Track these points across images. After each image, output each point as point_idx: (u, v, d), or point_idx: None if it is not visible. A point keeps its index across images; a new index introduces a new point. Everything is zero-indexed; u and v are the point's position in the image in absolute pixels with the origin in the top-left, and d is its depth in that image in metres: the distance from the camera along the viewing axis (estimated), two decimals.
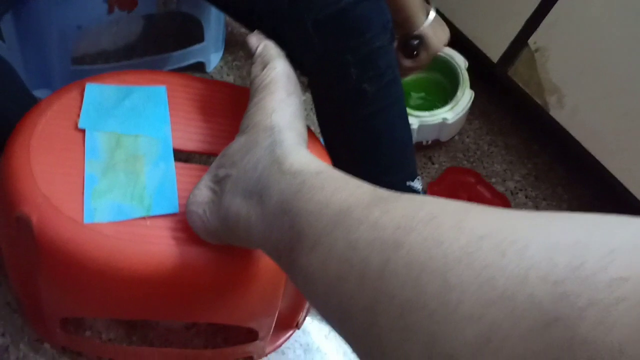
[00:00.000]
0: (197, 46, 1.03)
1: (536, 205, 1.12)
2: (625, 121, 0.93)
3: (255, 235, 0.43)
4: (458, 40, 1.10)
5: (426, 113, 1.01)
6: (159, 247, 0.53)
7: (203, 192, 0.50)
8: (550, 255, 0.23)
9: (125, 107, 0.62)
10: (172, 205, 0.55)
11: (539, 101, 1.04)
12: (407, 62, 0.86)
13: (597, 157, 0.99)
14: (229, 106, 0.66)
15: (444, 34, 0.85)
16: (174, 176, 0.58)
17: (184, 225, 0.53)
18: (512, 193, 1.13)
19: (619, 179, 0.98)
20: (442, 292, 0.26)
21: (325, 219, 0.36)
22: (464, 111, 1.05)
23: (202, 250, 0.53)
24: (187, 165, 0.60)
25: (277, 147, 0.46)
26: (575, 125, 1.01)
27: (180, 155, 0.62)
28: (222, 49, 1.13)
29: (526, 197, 1.14)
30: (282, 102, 0.52)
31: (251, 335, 0.69)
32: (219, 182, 0.49)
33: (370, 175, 0.54)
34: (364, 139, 0.65)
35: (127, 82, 0.64)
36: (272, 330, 0.68)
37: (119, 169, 0.57)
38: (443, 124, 1.04)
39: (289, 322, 0.76)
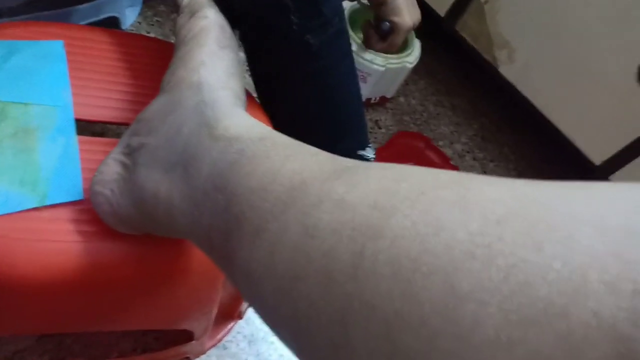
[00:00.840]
0: None
1: (484, 168, 1.08)
2: (576, 77, 0.89)
3: (180, 220, 0.34)
4: None
5: (393, 56, 0.93)
6: (61, 246, 0.42)
7: (111, 168, 0.40)
8: (616, 249, 0.16)
9: (11, 68, 0.49)
10: (74, 191, 0.44)
11: (487, 57, 0.98)
12: (379, 44, 0.86)
13: (547, 115, 0.96)
14: (148, 65, 0.54)
15: (416, 15, 0.83)
16: (77, 154, 0.46)
17: (93, 215, 0.43)
18: (459, 156, 1.08)
19: (568, 137, 0.95)
20: (449, 304, 0.18)
21: (273, 197, 0.27)
22: (418, 58, 0.98)
23: (115, 245, 0.43)
24: (95, 140, 0.48)
25: (206, 108, 0.36)
26: (525, 81, 0.96)
27: (88, 128, 0.50)
28: (140, 3, 0.98)
29: (474, 159, 1.09)
30: (213, 55, 0.41)
31: (186, 333, 0.60)
32: (132, 154, 0.39)
33: (320, 144, 0.44)
34: (310, 100, 0.55)
35: (13, 37, 0.51)
36: (211, 326, 0.59)
37: (4, 146, 0.45)
38: (400, 72, 0.96)
39: (230, 313, 0.67)
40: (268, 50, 0.54)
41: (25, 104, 0.47)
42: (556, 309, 0.16)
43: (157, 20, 1.01)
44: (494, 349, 0.16)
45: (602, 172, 0.92)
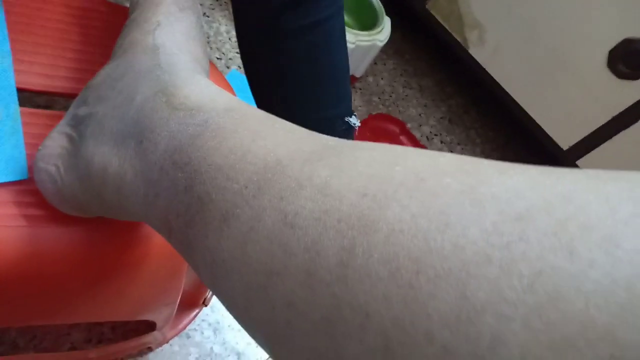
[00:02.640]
0: None
1: (451, 150, 1.07)
2: (546, 61, 0.88)
3: (132, 200, 0.29)
4: None
5: (364, 32, 0.89)
6: (5, 231, 0.37)
7: (56, 142, 0.35)
8: None
9: None
10: (17, 168, 0.39)
11: (458, 38, 0.96)
12: None
13: (515, 98, 0.95)
14: (99, 29, 0.49)
15: None
16: (20, 127, 0.41)
17: (38, 197, 0.38)
18: (427, 138, 1.07)
19: (536, 121, 0.94)
20: (461, 316, 0.15)
21: (243, 178, 0.23)
22: (389, 37, 0.95)
23: (63, 229, 0.38)
24: (40, 112, 0.43)
25: (163, 73, 0.32)
26: (495, 63, 0.95)
27: (31, 100, 0.45)
28: None
29: (441, 142, 1.08)
30: (170, 16, 0.37)
31: (146, 323, 0.56)
32: (79, 126, 0.34)
33: (309, 109, 0.41)
34: (300, 60, 0.51)
35: None
36: (173, 315, 0.55)
37: None
38: (370, 49, 0.92)
39: (194, 300, 0.63)
40: (253, 2, 0.50)
41: None
42: (598, 329, 0.13)
43: None
44: None
45: (568, 157, 0.92)
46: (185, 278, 0.50)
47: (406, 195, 0.18)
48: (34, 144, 0.40)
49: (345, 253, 0.18)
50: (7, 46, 0.44)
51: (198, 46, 0.39)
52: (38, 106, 0.43)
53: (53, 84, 0.45)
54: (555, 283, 0.13)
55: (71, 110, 0.36)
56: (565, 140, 0.92)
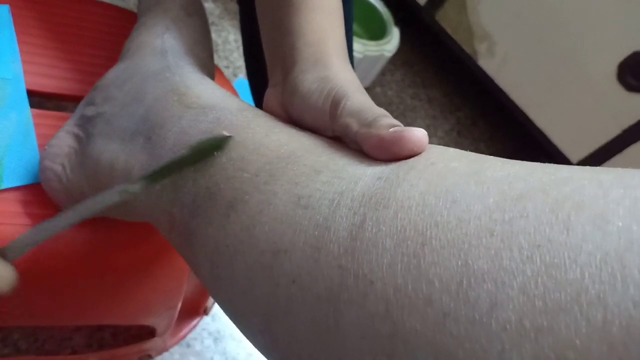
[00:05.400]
0: None
1: None
2: (556, 73, 0.88)
3: (138, 195, 0.29)
4: None
5: (372, 43, 0.89)
6: (8, 229, 0.37)
7: (63, 141, 0.35)
8: None
9: None
10: (32, 172, 0.39)
11: (467, 49, 0.96)
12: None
13: (525, 111, 0.94)
14: (106, 33, 0.49)
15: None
16: (32, 130, 0.41)
17: (44, 196, 0.38)
18: None
19: (546, 133, 0.94)
20: (462, 282, 0.16)
21: (254, 168, 0.24)
22: (397, 48, 0.95)
23: (70, 230, 0.38)
24: (50, 113, 0.43)
25: (172, 74, 0.33)
26: (504, 75, 0.95)
27: (41, 105, 0.45)
28: None
29: None
30: (179, 21, 0.38)
31: (147, 329, 0.55)
32: (86, 125, 0.34)
33: None
34: None
35: None
36: (174, 322, 0.54)
37: None
38: (378, 60, 0.93)
39: (195, 309, 0.63)
40: None
41: None
42: (590, 295, 0.14)
43: None
44: (516, 336, 0.14)
45: None
46: (187, 285, 0.50)
47: (416, 177, 0.19)
48: (43, 145, 0.40)
49: (355, 228, 0.19)
50: (16, 51, 0.45)
51: (205, 51, 0.39)
52: (41, 107, 0.43)
53: (61, 85, 0.45)
54: (552, 254, 0.15)
55: (78, 110, 0.37)
56: (575, 153, 0.91)
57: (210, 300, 0.63)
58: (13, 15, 0.46)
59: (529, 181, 0.17)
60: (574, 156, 0.91)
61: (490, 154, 0.85)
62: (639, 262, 0.14)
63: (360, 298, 0.17)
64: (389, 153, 0.22)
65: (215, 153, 0.26)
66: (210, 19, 0.99)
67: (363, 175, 0.21)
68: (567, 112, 0.90)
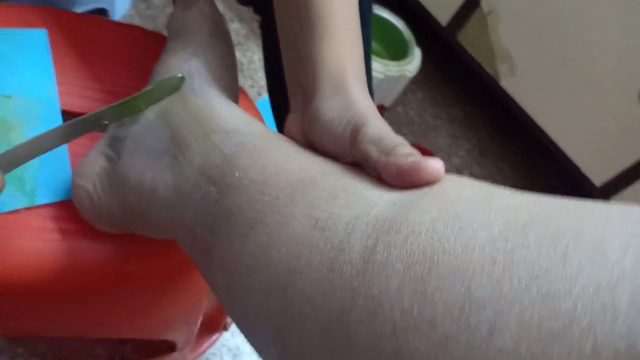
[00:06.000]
0: None
1: None
2: (578, 94, 0.88)
3: (162, 211, 0.31)
4: (403, 1, 1.00)
5: (393, 63, 0.90)
6: (38, 244, 0.39)
7: (95, 161, 0.37)
8: None
9: None
10: (65, 189, 0.41)
11: (489, 70, 0.97)
12: None
13: (547, 132, 0.94)
14: (137, 56, 0.51)
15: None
16: (66, 149, 0.43)
17: (73, 212, 0.39)
18: (457, 170, 1.06)
19: (569, 155, 0.93)
20: (464, 308, 0.17)
21: (275, 191, 0.25)
22: (419, 68, 0.95)
23: (97, 245, 0.40)
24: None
25: (198, 98, 0.34)
26: (526, 96, 0.95)
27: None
28: None
29: (471, 174, 1.07)
30: (205, 45, 0.40)
31: (168, 344, 0.56)
32: (116, 145, 0.36)
33: None
34: None
35: None
36: (194, 337, 0.55)
37: None
38: (400, 80, 0.93)
39: (215, 325, 0.64)
40: None
41: (7, 97, 0.44)
42: (581, 326, 0.15)
43: (151, 15, 0.98)
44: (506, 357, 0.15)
45: (601, 193, 0.90)
46: (207, 301, 0.51)
47: (428, 203, 0.20)
48: (76, 164, 0.42)
49: (367, 251, 0.20)
50: (52, 73, 0.47)
51: (230, 74, 0.41)
52: None
53: (94, 106, 0.47)
54: (549, 285, 0.15)
55: (109, 131, 0.38)
56: (598, 176, 0.90)
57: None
58: (50, 39, 0.49)
59: (534, 211, 0.18)
60: (597, 179, 0.90)
61: (512, 175, 0.85)
62: (628, 295, 0.14)
63: (370, 318, 0.18)
64: (407, 182, 0.23)
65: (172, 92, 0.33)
66: (237, 39, 1.02)
67: (379, 201, 0.22)
68: (590, 134, 0.89)
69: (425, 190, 0.22)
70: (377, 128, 0.26)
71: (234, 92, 0.41)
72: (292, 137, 0.32)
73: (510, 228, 0.18)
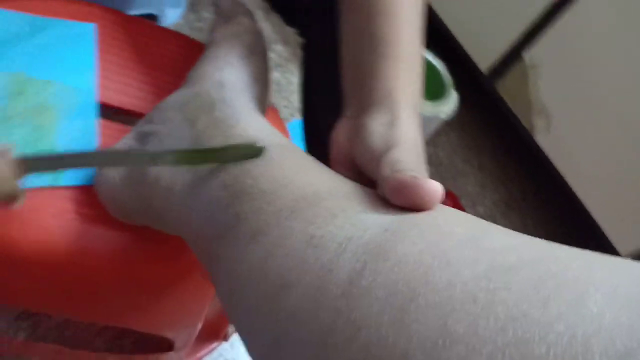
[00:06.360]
0: None
1: None
2: (614, 159, 0.86)
3: (174, 209, 0.33)
4: (446, 42, 1.01)
5: (429, 102, 0.91)
6: (55, 222, 0.40)
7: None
8: (627, 322, 0.15)
9: (38, 44, 0.49)
10: (89, 174, 0.43)
11: (524, 123, 0.96)
12: None
13: (577, 193, 0.92)
14: (180, 60, 0.54)
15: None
16: (94, 137, 0.45)
17: (94, 198, 0.41)
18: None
19: (596, 220, 0.91)
20: (438, 342, 0.17)
21: (280, 202, 0.26)
22: (454, 111, 0.96)
23: (111, 233, 0.41)
24: (118, 126, 0.47)
25: (225, 106, 0.36)
26: (560, 154, 0.93)
27: (114, 118, 0.49)
28: (184, 5, 0.99)
29: None
30: (241, 58, 0.41)
31: (166, 342, 0.57)
32: (142, 140, 0.38)
33: None
34: None
35: (48, 11, 0.51)
36: (192, 340, 0.56)
37: (15, 124, 0.44)
38: (433, 120, 0.94)
39: (215, 333, 0.64)
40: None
41: (47, 81, 0.46)
42: None
43: (199, 26, 1.02)
44: None
45: None
46: (210, 308, 0.52)
47: (419, 235, 0.20)
48: None
49: (354, 273, 0.20)
50: (92, 65, 0.49)
51: (261, 88, 0.42)
52: (116, 122, 0.47)
53: (131, 102, 0.49)
54: (525, 329, 0.15)
55: (138, 126, 0.40)
56: (624, 245, 0.88)
57: (231, 327, 0.65)
58: (100, 34, 0.51)
59: (523, 254, 0.18)
60: (622, 248, 0.87)
61: (535, 231, 0.83)
62: (602, 348, 0.14)
63: (346, 343, 0.18)
64: (404, 197, 0.23)
65: (246, 160, 0.29)
66: (279, 60, 1.05)
67: (373, 225, 0.22)
68: (622, 201, 0.87)
69: (418, 219, 0.22)
70: (404, 153, 0.27)
71: (263, 106, 0.42)
72: (337, 141, 0.33)
73: (495, 269, 0.18)
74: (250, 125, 0.34)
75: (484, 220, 0.22)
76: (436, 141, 1.10)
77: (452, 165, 1.10)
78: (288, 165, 0.28)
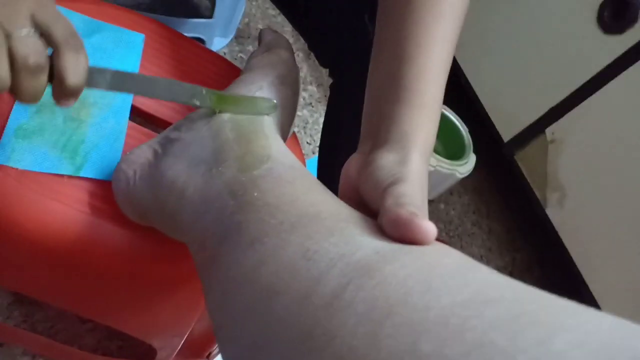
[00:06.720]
0: (202, 20, 0.94)
1: None
2: (623, 244, 0.86)
3: (183, 212, 0.34)
4: (472, 105, 1.03)
5: (447, 160, 0.93)
6: (68, 210, 0.42)
7: (143, 152, 0.41)
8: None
9: (89, 45, 0.51)
10: (108, 171, 0.45)
11: (538, 195, 0.97)
12: None
13: (582, 273, 0.92)
14: (215, 79, 0.56)
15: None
16: (123, 137, 0.47)
17: (109, 194, 0.42)
18: None
19: (597, 300, 0.90)
20: (404, 357, 0.18)
21: (282, 216, 0.27)
22: (470, 172, 0.97)
23: (119, 229, 0.42)
24: (144, 131, 0.49)
25: (251, 124, 0.38)
26: (569, 231, 0.93)
27: (144, 124, 0.51)
28: (231, 37, 1.04)
29: None
30: (272, 86, 0.43)
31: (150, 352, 0.57)
32: (166, 145, 0.40)
33: None
34: None
35: (103, 16, 0.54)
36: (175, 353, 0.56)
37: (58, 110, 0.46)
38: (449, 178, 0.95)
39: (200, 351, 0.64)
40: None
41: None
42: None
43: (242, 57, 1.06)
44: None
45: None
46: (198, 323, 0.52)
47: (408, 261, 0.22)
48: (127, 152, 0.46)
49: (339, 287, 0.21)
50: (136, 70, 0.52)
51: (286, 117, 0.44)
52: (144, 127, 0.50)
53: (163, 111, 0.52)
54: (488, 356, 0.16)
55: (165, 131, 0.42)
56: None
57: (215, 347, 0.65)
58: (146, 44, 0.54)
59: (504, 293, 0.19)
60: None
61: None
62: None
63: (321, 349, 0.19)
64: (399, 232, 0.24)
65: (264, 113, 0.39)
66: (310, 100, 1.08)
67: (366, 247, 0.23)
68: (626, 289, 0.86)
69: (411, 249, 0.23)
70: (410, 189, 0.28)
71: (285, 134, 0.44)
72: (347, 173, 0.34)
73: (474, 300, 0.19)
74: (268, 144, 0.35)
75: (474, 260, 0.23)
76: (449, 199, 1.11)
77: (462, 225, 1.10)
78: (296, 185, 0.30)
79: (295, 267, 0.23)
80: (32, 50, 0.30)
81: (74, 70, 0.32)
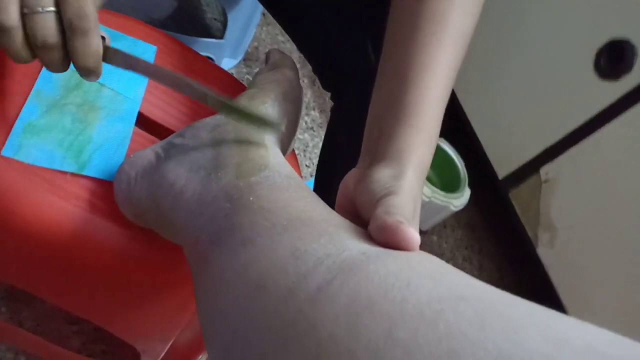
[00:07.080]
0: (213, 40, 0.97)
1: None
2: (613, 287, 0.87)
3: (180, 214, 0.35)
4: (469, 140, 1.05)
5: (442, 192, 0.94)
6: (66, 206, 0.43)
7: (146, 156, 0.42)
8: (552, 354, 0.17)
9: None
10: (111, 172, 0.46)
11: (530, 233, 0.98)
12: None
13: (570, 313, 0.92)
14: (221, 94, 0.58)
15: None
16: (128, 141, 0.49)
17: (109, 194, 0.44)
18: None
19: None
20: (380, 344, 0.19)
21: (275, 219, 0.28)
22: (464, 205, 0.99)
23: (116, 228, 0.43)
24: (148, 137, 0.51)
25: (252, 136, 0.39)
26: (559, 271, 0.94)
27: (149, 130, 0.53)
28: (240, 58, 1.07)
29: None
30: (276, 101, 0.45)
31: (133, 358, 0.58)
32: (169, 149, 0.41)
33: None
34: None
35: (119, 27, 0.56)
36: (160, 356, 0.56)
37: (67, 111, 0.48)
38: (443, 210, 0.97)
39: (186, 359, 0.64)
40: None
41: (101, 84, 0.51)
42: None
43: (248, 78, 1.09)
44: None
45: None
46: (184, 332, 0.53)
47: (391, 261, 0.23)
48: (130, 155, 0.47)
49: (324, 283, 0.22)
50: (145, 83, 0.54)
51: (288, 131, 0.46)
52: (146, 129, 0.51)
53: (168, 120, 0.54)
54: (459, 344, 0.18)
55: (169, 138, 0.44)
56: None
57: (203, 356, 0.65)
58: (158, 56, 0.57)
59: (480, 294, 0.20)
60: None
61: None
62: None
63: (302, 337, 0.21)
64: (385, 237, 0.26)
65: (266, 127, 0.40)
66: (312, 124, 1.10)
67: (353, 248, 0.25)
68: (614, 329, 0.86)
69: (395, 252, 0.25)
70: (402, 201, 0.30)
71: (285, 148, 0.46)
72: (344, 187, 0.36)
73: (450, 297, 0.20)
74: (269, 154, 0.37)
75: (456, 269, 0.24)
76: (442, 232, 1.12)
77: (453, 259, 1.11)
78: (290, 193, 0.31)
79: (284, 265, 0.24)
80: (39, 27, 0.32)
81: (82, 53, 0.34)
